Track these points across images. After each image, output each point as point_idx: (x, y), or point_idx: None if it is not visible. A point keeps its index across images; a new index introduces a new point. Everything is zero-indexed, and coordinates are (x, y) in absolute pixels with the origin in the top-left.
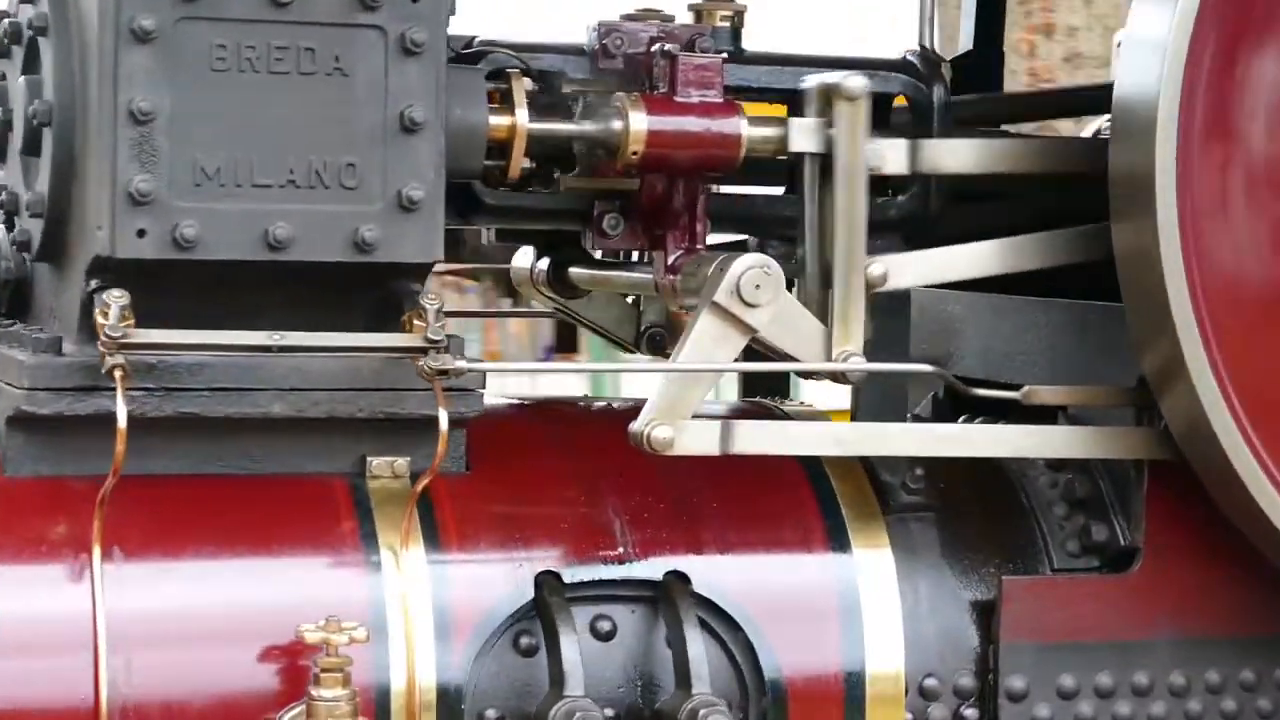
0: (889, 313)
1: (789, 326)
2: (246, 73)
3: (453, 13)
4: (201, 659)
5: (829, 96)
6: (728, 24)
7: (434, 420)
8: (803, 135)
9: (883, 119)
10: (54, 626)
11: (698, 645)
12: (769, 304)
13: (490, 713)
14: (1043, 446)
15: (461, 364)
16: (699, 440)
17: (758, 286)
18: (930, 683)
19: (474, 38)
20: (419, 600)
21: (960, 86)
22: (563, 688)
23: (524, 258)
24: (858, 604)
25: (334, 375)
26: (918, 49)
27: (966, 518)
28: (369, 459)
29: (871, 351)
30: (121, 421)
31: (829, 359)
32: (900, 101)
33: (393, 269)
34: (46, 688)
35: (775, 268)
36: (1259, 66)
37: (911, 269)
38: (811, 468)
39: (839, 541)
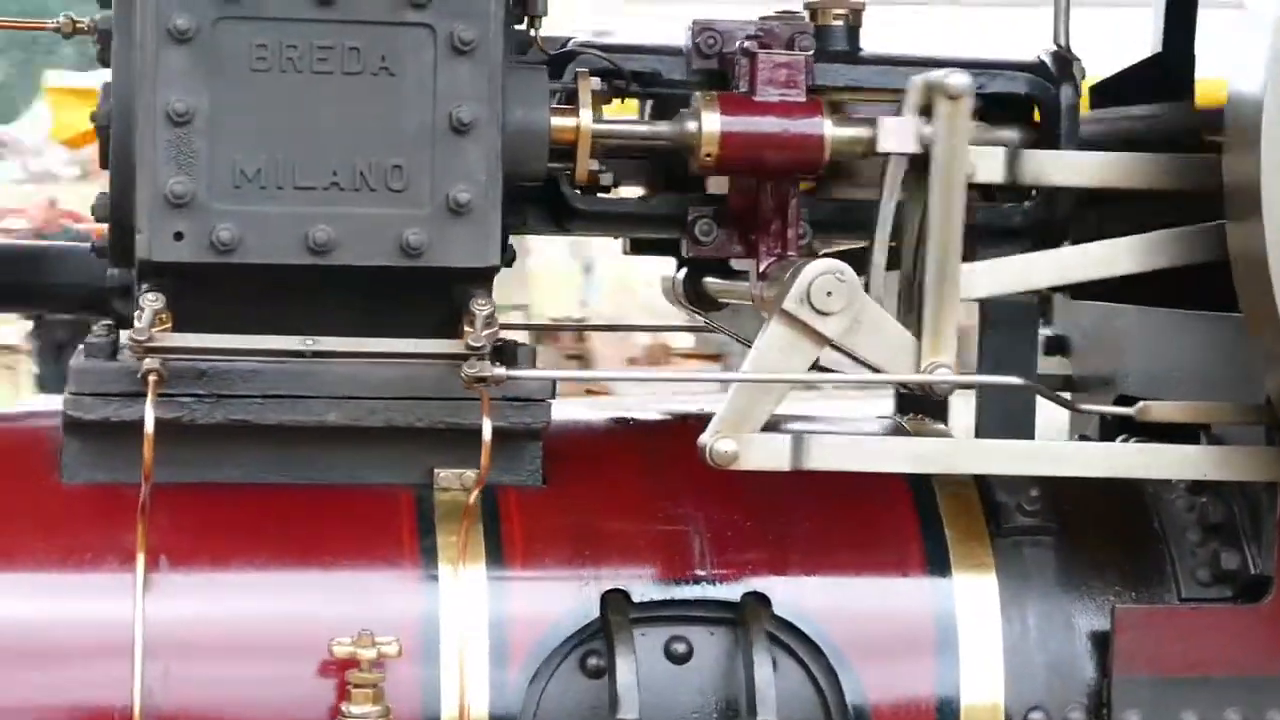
0: (1011, 325)
1: (874, 336)
2: (288, 73)
3: (543, 13)
4: (242, 671)
5: (930, 94)
6: (841, 22)
7: (507, 432)
8: (895, 135)
9: (1022, 118)
10: (94, 633)
11: (765, 669)
12: (842, 312)
13: None
14: (1152, 466)
15: (500, 371)
16: (767, 455)
17: (829, 294)
18: (1036, 716)
19: (570, 38)
20: (475, 618)
21: (1149, 92)
22: (617, 710)
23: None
24: (955, 631)
25: (392, 384)
26: (1052, 49)
27: (1088, 542)
28: (437, 471)
29: (992, 365)
30: (149, 427)
31: (919, 371)
32: None
33: (446, 274)
34: (85, 694)
35: (849, 274)
36: None
37: (986, 278)
38: (918, 486)
39: (938, 564)
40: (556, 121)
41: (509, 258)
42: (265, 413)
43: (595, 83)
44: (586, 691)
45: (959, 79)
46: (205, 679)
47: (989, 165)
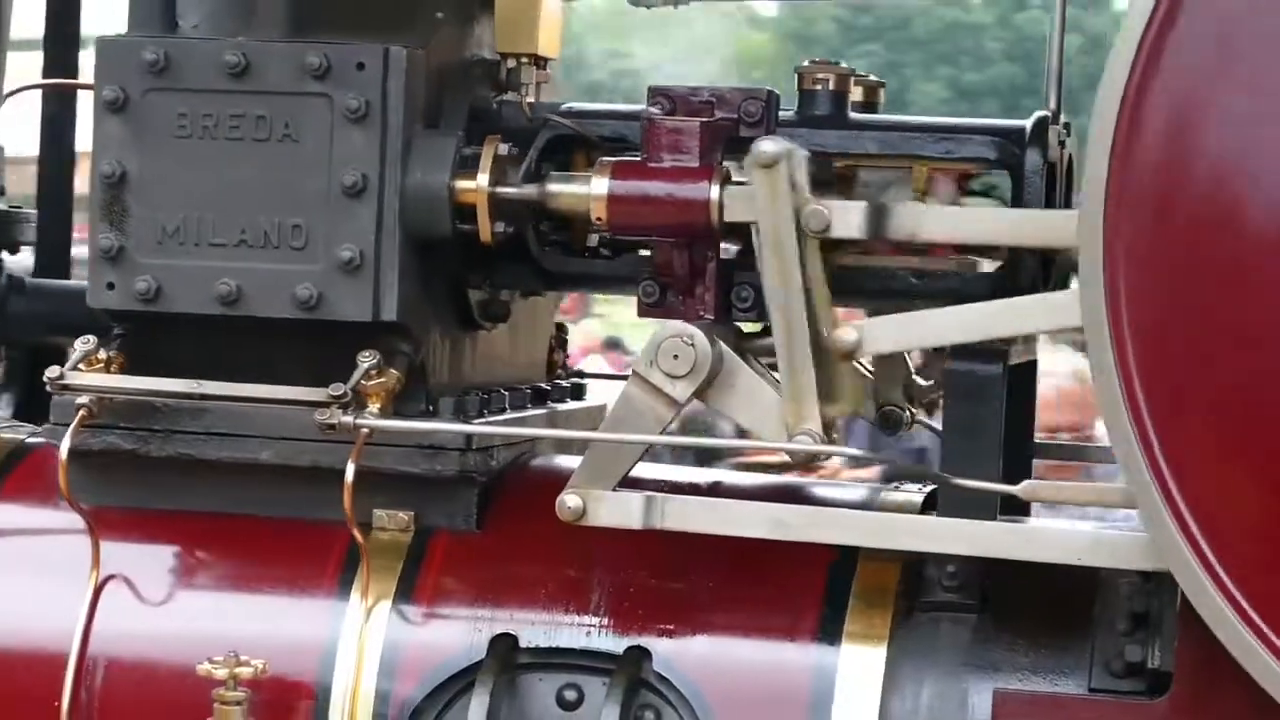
0: (975, 393)
1: (746, 401)
2: (205, 139)
3: (525, 81)
4: (157, 680)
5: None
6: (819, 88)
7: (422, 478)
8: (737, 203)
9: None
10: (48, 630)
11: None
12: (689, 376)
13: None
14: (1025, 548)
15: (347, 419)
16: (616, 512)
17: (676, 357)
18: None
19: (558, 105)
20: (370, 650)
21: None
22: None
23: None
24: (830, 701)
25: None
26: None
27: (1012, 623)
28: (374, 510)
29: (957, 434)
30: (63, 454)
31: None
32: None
33: (340, 327)
34: (27, 687)
35: (699, 338)
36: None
37: (888, 334)
38: (844, 553)
39: (828, 632)
40: (460, 184)
41: (497, 314)
42: (207, 449)
43: (503, 149)
44: None
45: (766, 146)
46: (123, 677)
47: (846, 221)
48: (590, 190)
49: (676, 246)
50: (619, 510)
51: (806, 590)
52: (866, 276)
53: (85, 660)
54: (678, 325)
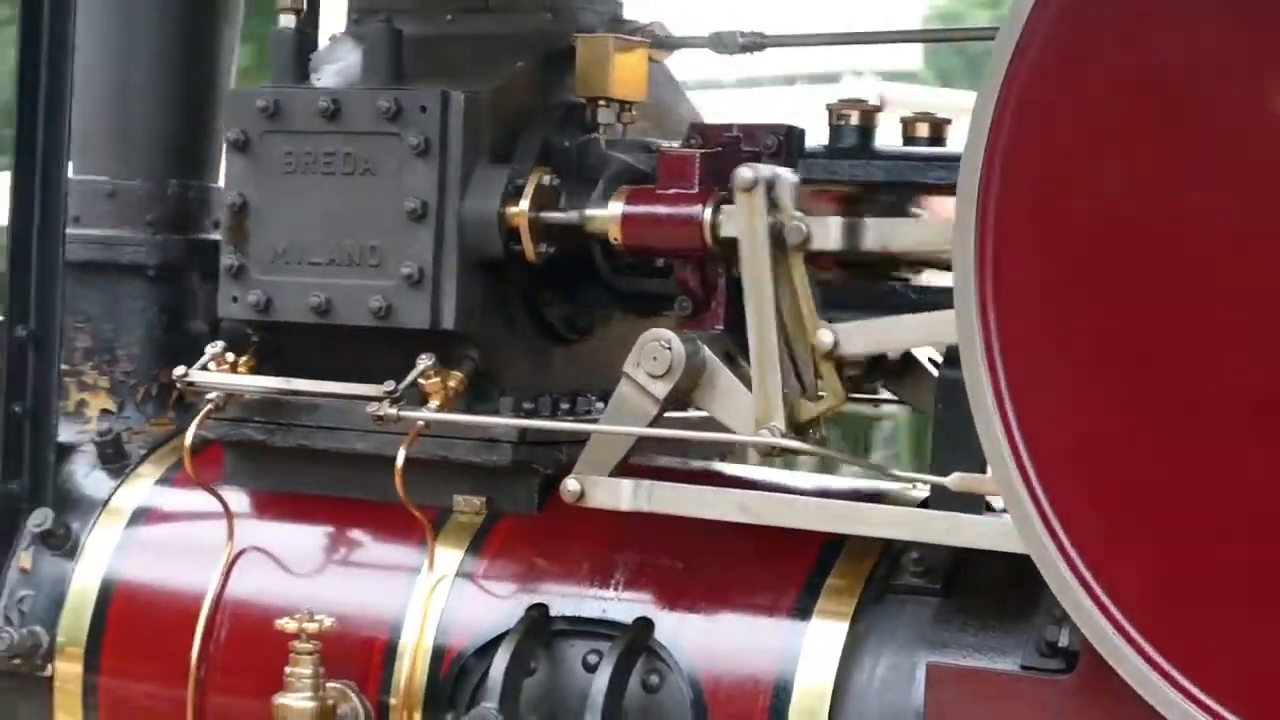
0: (953, 399)
1: (725, 399)
2: (306, 174)
3: (604, 121)
4: (264, 633)
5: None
6: (844, 121)
7: (513, 469)
8: (730, 221)
9: None
10: (195, 592)
11: (601, 679)
12: (666, 376)
13: None
14: (949, 533)
15: (391, 411)
16: (609, 496)
17: (655, 358)
18: None
19: (639, 141)
20: (432, 615)
21: None
22: (484, 699)
23: None
24: (794, 672)
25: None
26: None
27: (970, 606)
28: (455, 496)
29: (944, 440)
30: (188, 440)
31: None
32: None
33: (408, 334)
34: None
35: (675, 342)
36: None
37: (862, 336)
38: (836, 539)
39: (801, 610)
40: (508, 210)
41: (584, 328)
42: (316, 440)
43: (547, 179)
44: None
45: (744, 173)
46: (244, 636)
47: (824, 235)
48: (609, 213)
49: (690, 265)
50: (611, 493)
51: (793, 571)
52: (871, 292)
53: (216, 616)
54: (658, 331)
